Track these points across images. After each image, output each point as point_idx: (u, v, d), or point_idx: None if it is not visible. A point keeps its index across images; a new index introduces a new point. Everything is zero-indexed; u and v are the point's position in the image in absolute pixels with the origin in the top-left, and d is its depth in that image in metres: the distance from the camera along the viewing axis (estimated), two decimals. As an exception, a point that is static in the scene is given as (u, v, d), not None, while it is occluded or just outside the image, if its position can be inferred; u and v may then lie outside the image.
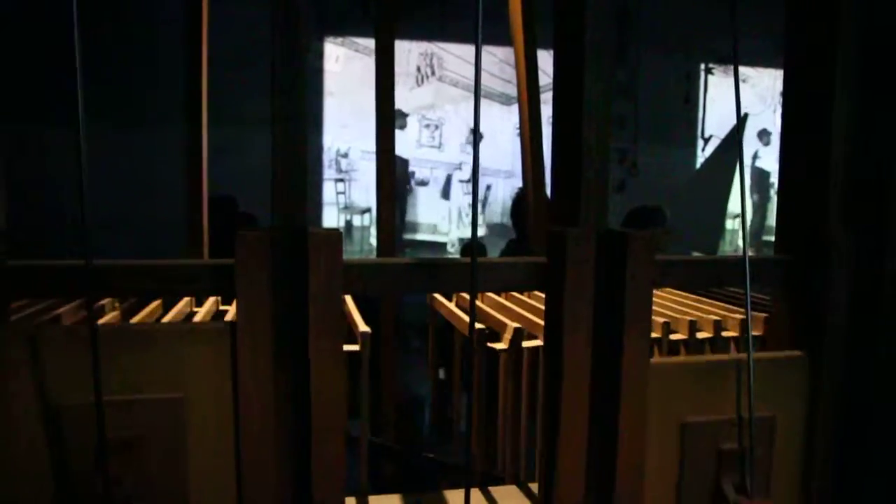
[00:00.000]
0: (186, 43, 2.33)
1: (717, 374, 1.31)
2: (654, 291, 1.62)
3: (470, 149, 6.73)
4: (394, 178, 2.86)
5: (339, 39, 6.44)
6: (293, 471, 1.16)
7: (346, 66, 6.42)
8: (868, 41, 1.41)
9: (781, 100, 1.55)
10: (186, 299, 1.90)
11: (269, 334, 1.12)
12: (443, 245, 6.46)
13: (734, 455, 1.31)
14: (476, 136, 1.13)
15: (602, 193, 1.28)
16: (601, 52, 1.27)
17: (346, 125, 6.38)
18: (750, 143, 7.17)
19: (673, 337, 1.38)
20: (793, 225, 1.48)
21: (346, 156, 6.50)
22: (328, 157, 6.53)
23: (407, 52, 6.57)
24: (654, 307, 1.58)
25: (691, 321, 1.38)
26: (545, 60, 2.33)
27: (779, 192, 1.52)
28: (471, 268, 1.12)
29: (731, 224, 7.38)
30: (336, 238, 1.14)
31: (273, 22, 1.16)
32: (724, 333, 1.43)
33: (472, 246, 1.10)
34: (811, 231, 1.43)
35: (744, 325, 1.44)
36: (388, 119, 2.96)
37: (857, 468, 1.42)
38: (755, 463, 1.29)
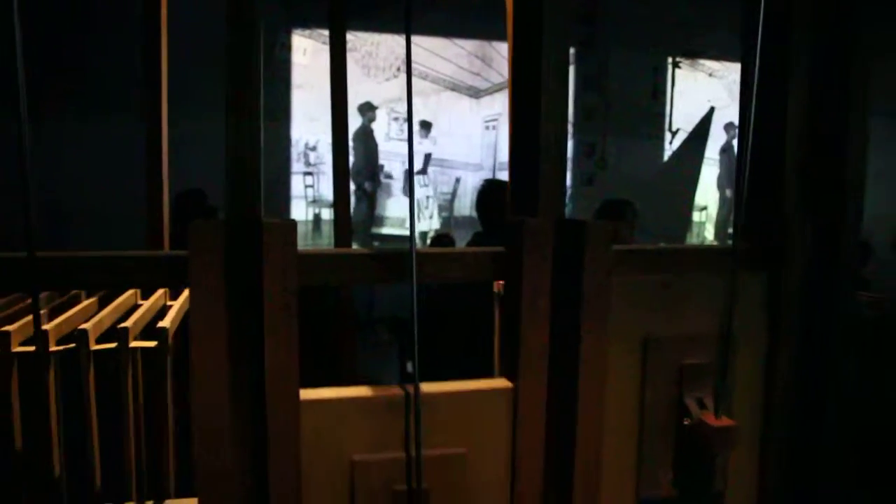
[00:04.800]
0: (148, 33, 2.29)
1: (681, 288, 1.34)
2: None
3: (432, 141, 6.74)
4: (348, 171, 2.84)
5: (307, 32, 6.39)
6: (251, 466, 1.15)
7: (314, 58, 6.38)
8: (818, 47, 1.44)
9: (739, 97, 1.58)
10: (130, 292, 1.87)
11: (223, 325, 1.11)
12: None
13: (697, 371, 1.34)
14: (410, 127, 1.12)
15: (560, 185, 1.29)
16: (558, 45, 1.27)
17: (314, 118, 6.33)
18: (719, 136, 7.25)
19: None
20: (753, 216, 1.50)
21: (314, 149, 6.46)
22: (296, 150, 6.49)
23: (376, 45, 6.54)
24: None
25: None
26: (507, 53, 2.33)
27: (737, 186, 1.54)
28: (411, 257, 1.12)
29: (699, 216, 7.46)
30: (290, 228, 1.14)
31: (227, 12, 1.14)
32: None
33: (410, 236, 1.11)
34: (770, 222, 1.45)
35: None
36: (342, 112, 2.95)
37: (817, 391, 1.46)
38: (725, 381, 1.32)
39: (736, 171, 1.59)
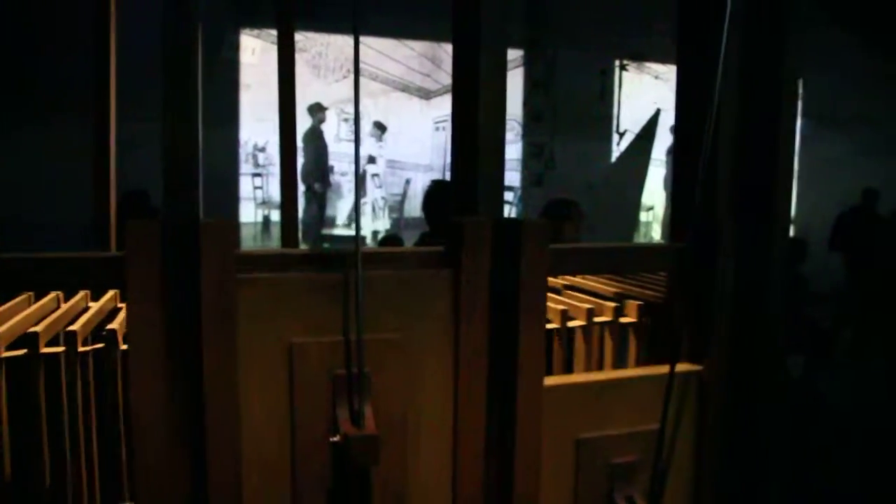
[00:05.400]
0: (97, 34, 2.26)
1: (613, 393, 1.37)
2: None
3: (380, 142, 6.74)
4: (296, 172, 2.84)
5: (256, 31, 6.33)
6: (189, 458, 1.15)
7: (262, 58, 6.32)
8: (749, 52, 1.49)
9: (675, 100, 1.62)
10: (80, 294, 1.84)
11: (160, 327, 1.10)
12: (361, 239, 6.40)
13: (628, 468, 1.36)
14: (357, 128, 1.13)
15: (499, 185, 1.31)
16: (496, 46, 1.29)
17: (263, 119, 6.28)
18: (665, 138, 7.40)
19: (571, 324, 1.43)
20: (685, 217, 1.54)
21: (263, 150, 6.41)
22: (245, 151, 6.43)
23: (326, 46, 6.52)
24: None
25: (589, 309, 1.43)
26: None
27: (672, 188, 1.59)
28: (356, 257, 1.13)
29: (646, 216, 7.60)
30: (230, 228, 1.13)
31: (164, 11, 1.14)
32: (623, 319, 1.48)
33: (356, 236, 1.12)
34: (702, 222, 1.49)
35: (641, 311, 1.49)
36: (290, 113, 2.93)
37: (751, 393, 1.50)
38: (659, 475, 1.34)
39: (672, 174, 1.64)
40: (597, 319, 1.43)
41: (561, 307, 1.52)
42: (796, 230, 7.87)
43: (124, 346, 1.44)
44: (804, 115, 8.11)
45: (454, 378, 1.28)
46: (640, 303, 1.46)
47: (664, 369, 1.37)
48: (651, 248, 1.40)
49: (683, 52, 1.60)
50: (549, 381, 1.33)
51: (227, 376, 1.14)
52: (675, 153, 1.64)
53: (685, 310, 1.49)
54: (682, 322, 1.50)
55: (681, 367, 1.44)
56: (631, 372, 1.43)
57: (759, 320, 1.52)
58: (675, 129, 1.65)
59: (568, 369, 1.43)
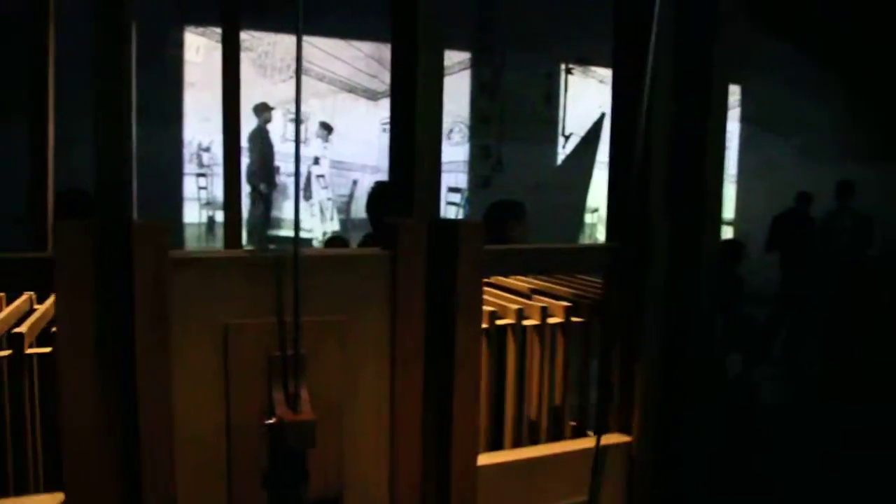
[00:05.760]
0: (33, 29, 2.20)
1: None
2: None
3: (326, 143, 6.71)
4: (240, 172, 2.81)
5: (200, 29, 6.24)
6: (121, 462, 1.13)
7: (207, 56, 6.24)
8: (680, 59, 1.53)
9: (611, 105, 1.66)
10: (25, 296, 1.79)
11: (90, 330, 1.09)
12: (309, 241, 6.40)
13: None
14: (297, 128, 1.14)
15: (435, 186, 1.33)
16: (432, 48, 1.31)
17: (208, 118, 6.19)
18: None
19: (499, 322, 1.44)
20: (620, 218, 1.58)
21: (208, 150, 6.31)
22: (189, 150, 6.33)
23: (272, 45, 6.46)
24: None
25: (518, 309, 1.45)
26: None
27: (608, 190, 1.62)
28: (295, 258, 1.14)
29: (591, 217, 7.72)
30: (163, 229, 1.12)
31: (94, 8, 1.12)
32: (550, 320, 1.50)
33: (294, 238, 1.12)
34: (636, 222, 1.53)
35: (568, 312, 1.52)
36: (234, 112, 2.90)
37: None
38: None
39: (608, 176, 1.67)
40: (525, 322, 1.45)
41: (490, 308, 1.53)
42: (736, 231, 8.09)
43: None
44: (744, 120, 8.34)
45: (391, 369, 1.29)
46: (567, 304, 1.49)
47: (592, 442, 1.43)
48: (585, 249, 1.44)
49: (618, 57, 1.64)
50: (483, 459, 1.36)
51: (160, 366, 1.13)
52: (610, 156, 1.67)
53: (619, 308, 1.53)
54: (615, 320, 1.53)
55: (610, 438, 1.50)
56: (560, 447, 1.47)
57: (691, 318, 1.57)
58: (611, 133, 1.68)
59: (500, 367, 1.44)
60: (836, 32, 7.75)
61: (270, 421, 1.16)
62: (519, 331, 1.43)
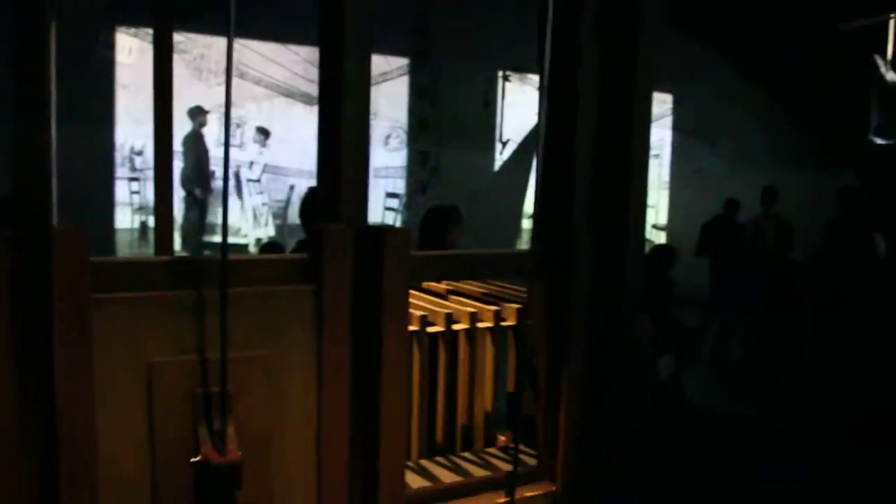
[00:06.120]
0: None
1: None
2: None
3: (263, 147, 6.64)
4: (171, 177, 2.76)
5: (133, 30, 6.11)
6: (40, 475, 1.11)
7: (140, 58, 6.11)
8: (605, 70, 1.58)
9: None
10: None
11: (8, 339, 1.07)
12: (244, 246, 6.32)
13: None
14: (227, 131, 1.14)
15: (362, 191, 1.33)
16: (359, 51, 1.31)
17: (140, 121, 6.06)
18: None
19: (430, 329, 1.46)
20: (546, 224, 1.61)
21: (140, 153, 6.18)
22: (121, 154, 6.18)
23: (208, 48, 6.36)
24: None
25: (447, 314, 1.47)
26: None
27: (536, 196, 1.65)
28: (223, 263, 1.13)
29: (528, 223, 7.80)
30: (82, 237, 1.11)
31: (14, 4, 1.10)
32: (479, 325, 1.53)
33: (222, 246, 1.12)
34: (560, 230, 1.56)
35: (497, 316, 1.55)
36: (166, 115, 2.85)
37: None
38: None
39: (535, 183, 1.70)
40: (455, 327, 1.47)
41: (419, 312, 1.55)
42: (669, 237, 8.28)
43: None
44: (675, 129, 8.55)
45: (318, 395, 1.29)
46: (496, 308, 1.52)
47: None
48: (511, 255, 1.46)
49: (547, 65, 1.67)
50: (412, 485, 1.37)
51: (82, 396, 1.11)
52: (538, 162, 1.70)
53: (542, 312, 1.56)
54: (537, 323, 1.56)
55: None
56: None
57: (615, 321, 1.60)
58: (537, 140, 1.71)
59: (433, 371, 1.46)
60: (763, 43, 8.04)
61: (195, 459, 1.15)
62: (449, 335, 1.45)
